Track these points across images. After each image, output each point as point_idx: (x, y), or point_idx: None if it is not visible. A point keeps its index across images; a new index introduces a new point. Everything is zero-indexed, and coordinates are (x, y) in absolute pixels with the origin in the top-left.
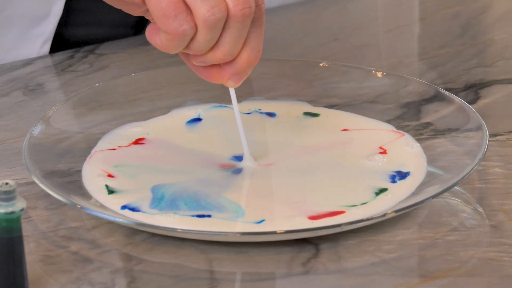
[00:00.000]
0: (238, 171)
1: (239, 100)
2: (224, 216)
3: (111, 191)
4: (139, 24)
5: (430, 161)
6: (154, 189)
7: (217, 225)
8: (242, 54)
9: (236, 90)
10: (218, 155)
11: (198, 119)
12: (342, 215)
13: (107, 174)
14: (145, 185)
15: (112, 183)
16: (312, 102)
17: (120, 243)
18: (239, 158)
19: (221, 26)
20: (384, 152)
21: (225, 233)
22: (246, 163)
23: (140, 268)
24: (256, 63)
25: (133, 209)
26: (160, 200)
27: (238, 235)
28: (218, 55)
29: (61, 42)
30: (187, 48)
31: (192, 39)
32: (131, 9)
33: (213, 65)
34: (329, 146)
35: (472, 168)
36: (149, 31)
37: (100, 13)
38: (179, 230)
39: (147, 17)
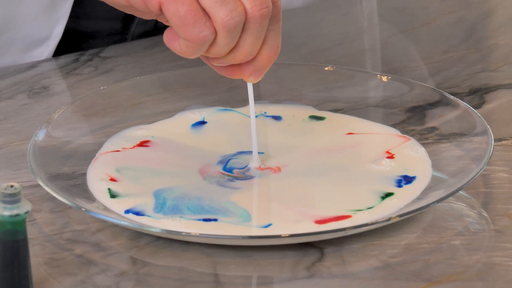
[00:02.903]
0: (244, 174)
1: (244, 104)
2: (230, 220)
3: (113, 195)
4: (127, 18)
5: (435, 165)
6: (156, 194)
7: (223, 229)
8: (262, 52)
9: (242, 94)
10: (223, 159)
11: (203, 122)
12: (348, 219)
13: (110, 177)
14: (148, 189)
15: (114, 187)
16: (318, 106)
17: (125, 246)
18: (243, 153)
19: (240, 28)
20: (391, 157)
21: (230, 237)
22: (253, 164)
23: (145, 271)
24: (275, 58)
25: (137, 213)
26: (162, 205)
27: (242, 238)
28: (238, 56)
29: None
30: (207, 52)
31: (211, 43)
32: (145, 16)
33: (233, 64)
34: (335, 150)
35: (477, 173)
36: (167, 36)
37: (88, 6)
38: (183, 233)
39: (160, 20)
